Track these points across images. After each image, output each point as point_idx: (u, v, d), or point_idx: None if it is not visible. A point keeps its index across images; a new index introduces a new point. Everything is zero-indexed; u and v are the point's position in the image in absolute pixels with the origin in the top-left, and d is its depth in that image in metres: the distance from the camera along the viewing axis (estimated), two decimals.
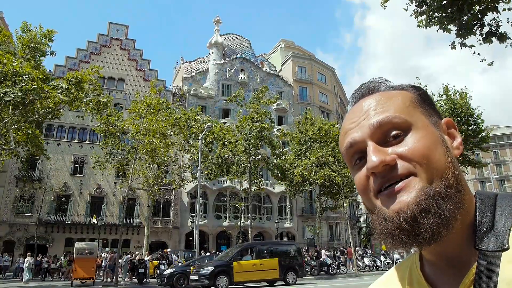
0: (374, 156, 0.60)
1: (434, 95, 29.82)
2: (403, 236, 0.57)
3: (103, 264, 23.28)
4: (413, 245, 0.58)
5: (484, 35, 6.53)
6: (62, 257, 27.79)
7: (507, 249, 0.55)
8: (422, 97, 0.69)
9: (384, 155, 0.60)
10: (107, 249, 27.52)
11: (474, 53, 6.80)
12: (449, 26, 6.77)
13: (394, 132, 0.62)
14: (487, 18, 6.50)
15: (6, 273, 27.37)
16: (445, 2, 6.45)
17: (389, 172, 0.60)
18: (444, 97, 29.67)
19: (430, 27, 6.99)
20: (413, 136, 0.61)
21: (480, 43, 6.69)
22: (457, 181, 0.60)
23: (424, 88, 0.74)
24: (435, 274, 0.65)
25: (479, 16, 6.37)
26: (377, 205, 0.61)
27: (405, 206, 0.57)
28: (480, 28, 6.52)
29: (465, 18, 6.48)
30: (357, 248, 29.60)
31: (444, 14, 6.65)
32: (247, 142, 27.00)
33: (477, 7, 6.30)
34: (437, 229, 0.55)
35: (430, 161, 0.59)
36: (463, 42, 6.77)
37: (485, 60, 7.02)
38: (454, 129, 0.69)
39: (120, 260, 22.02)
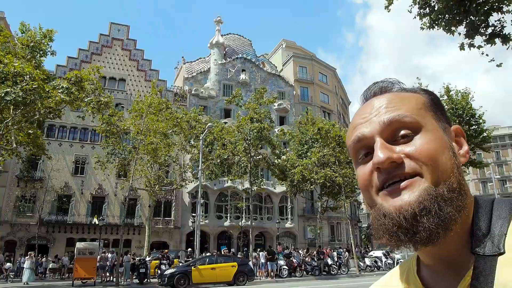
0: (381, 152, 0.61)
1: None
2: (401, 234, 0.57)
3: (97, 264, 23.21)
4: (409, 243, 0.58)
5: (488, 36, 6.51)
6: (66, 257, 27.85)
7: (503, 253, 0.55)
8: (434, 102, 0.69)
9: (392, 152, 0.61)
10: (109, 249, 27.56)
11: (482, 53, 6.78)
12: (455, 28, 6.75)
13: (403, 132, 0.62)
14: (492, 19, 6.49)
15: (7, 273, 27.39)
16: (451, 3, 6.42)
17: (394, 169, 0.60)
18: (445, 97, 29.64)
19: (433, 29, 6.97)
20: (422, 137, 0.62)
21: (484, 44, 6.67)
22: (460, 186, 0.60)
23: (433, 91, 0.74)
24: (431, 277, 0.65)
25: (483, 17, 6.36)
26: (377, 202, 0.62)
27: (407, 204, 0.58)
28: (484, 29, 6.50)
29: (473, 18, 6.46)
30: (342, 251, 28.94)
31: (450, 16, 6.63)
32: (247, 142, 26.97)
33: (483, 8, 6.28)
34: (435, 229, 0.56)
35: (436, 163, 0.60)
36: (471, 43, 6.75)
37: (494, 60, 7.00)
38: (462, 137, 0.70)
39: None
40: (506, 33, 6.50)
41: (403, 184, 0.59)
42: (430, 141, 0.62)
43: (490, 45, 6.56)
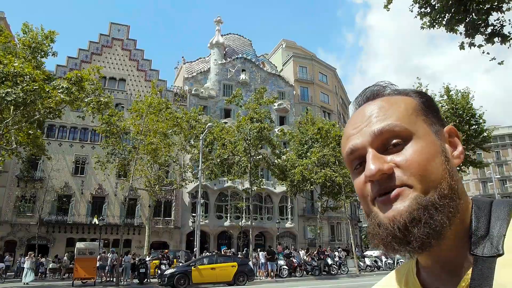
0: (372, 164, 0.61)
1: (435, 95, 29.74)
2: (395, 244, 0.58)
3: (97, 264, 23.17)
4: (404, 252, 0.59)
5: (487, 35, 6.51)
6: (66, 257, 27.86)
7: (502, 254, 0.56)
8: (426, 105, 0.69)
9: (383, 163, 0.61)
10: (109, 249, 27.56)
11: (483, 52, 6.77)
12: (456, 27, 6.74)
13: (394, 141, 0.63)
14: (492, 18, 6.49)
15: (8, 273, 27.42)
16: (451, 2, 6.42)
17: (386, 180, 0.61)
18: (445, 97, 29.60)
19: (434, 28, 6.97)
20: (413, 146, 0.62)
21: (485, 43, 6.67)
22: (453, 190, 0.60)
23: (429, 94, 0.73)
24: (431, 279, 0.66)
25: (484, 16, 6.36)
26: (373, 210, 0.63)
27: (398, 214, 0.58)
28: (484, 28, 6.50)
29: (474, 17, 6.46)
30: (339, 251, 28.69)
31: (451, 15, 6.62)
32: (247, 142, 26.96)
33: (483, 7, 6.27)
34: (426, 239, 0.56)
35: (426, 172, 0.60)
36: (471, 42, 6.75)
37: (495, 59, 6.98)
38: (456, 137, 0.69)
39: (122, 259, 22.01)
40: (505, 33, 6.49)
41: (392, 194, 0.60)
42: (420, 149, 0.61)
43: (491, 44, 6.56)
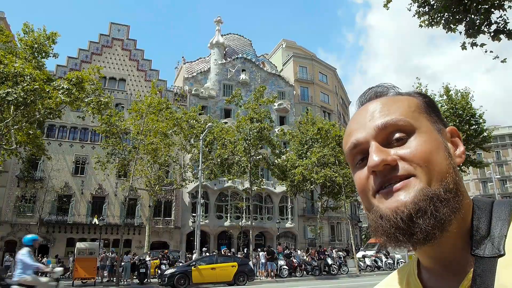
0: (375, 155, 0.61)
1: (435, 95, 29.75)
2: (398, 235, 0.58)
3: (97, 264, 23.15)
4: (407, 244, 0.59)
5: (492, 33, 6.50)
6: (71, 258, 27.89)
7: (503, 255, 0.56)
8: (428, 104, 0.70)
9: (386, 155, 0.61)
10: (109, 249, 27.55)
11: (486, 51, 6.75)
12: (455, 27, 6.71)
13: (397, 135, 0.63)
14: (494, 16, 6.48)
15: (8, 273, 27.39)
16: (450, 2, 6.41)
17: (389, 172, 0.61)
18: (445, 97, 29.61)
19: (432, 27, 6.96)
20: (416, 139, 0.62)
21: (486, 43, 6.65)
22: (457, 186, 0.61)
23: (427, 94, 0.74)
24: (432, 280, 0.66)
25: (484, 16, 6.34)
26: (374, 204, 0.62)
27: (402, 205, 0.58)
28: (487, 26, 6.48)
29: (473, 17, 6.44)
30: (336, 250, 28.31)
31: (450, 15, 6.61)
32: (247, 142, 26.95)
33: (483, 6, 6.26)
34: (431, 230, 0.56)
35: (431, 164, 0.60)
36: (473, 41, 6.73)
37: (498, 57, 6.97)
38: (458, 137, 0.70)
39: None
40: (511, 29, 6.46)
41: (397, 185, 0.59)
42: (424, 142, 0.62)
43: (497, 41, 6.53)
